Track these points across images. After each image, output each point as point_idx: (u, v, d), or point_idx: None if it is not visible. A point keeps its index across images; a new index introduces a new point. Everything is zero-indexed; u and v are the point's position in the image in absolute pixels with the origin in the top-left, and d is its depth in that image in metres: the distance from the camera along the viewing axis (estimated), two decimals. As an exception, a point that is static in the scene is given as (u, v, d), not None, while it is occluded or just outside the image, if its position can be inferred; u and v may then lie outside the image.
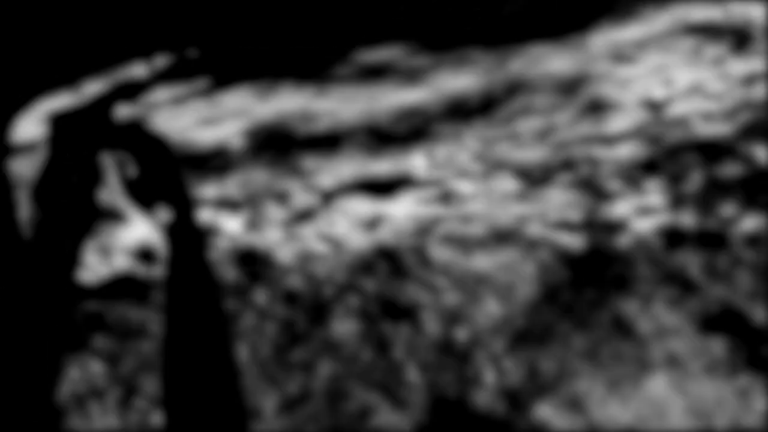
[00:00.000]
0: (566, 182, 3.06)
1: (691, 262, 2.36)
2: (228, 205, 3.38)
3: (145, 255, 2.91)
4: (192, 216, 0.75)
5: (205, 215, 3.22)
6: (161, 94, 5.44)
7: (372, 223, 2.96)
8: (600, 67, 4.41)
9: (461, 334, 2.20)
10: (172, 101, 5.17)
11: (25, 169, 3.92)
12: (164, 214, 0.74)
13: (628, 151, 3.22)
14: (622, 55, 4.54)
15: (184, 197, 0.75)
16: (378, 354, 2.19)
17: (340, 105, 4.55)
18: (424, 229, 2.83)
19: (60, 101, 5.25)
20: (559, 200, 2.90)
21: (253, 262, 2.78)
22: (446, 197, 3.12)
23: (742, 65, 3.94)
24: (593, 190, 2.95)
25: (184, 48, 5.74)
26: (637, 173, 3.03)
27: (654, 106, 3.66)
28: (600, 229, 2.64)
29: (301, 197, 3.30)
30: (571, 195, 2.94)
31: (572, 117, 3.74)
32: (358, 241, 2.82)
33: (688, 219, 2.61)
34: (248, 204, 3.35)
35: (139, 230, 3.10)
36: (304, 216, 3.14)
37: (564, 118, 3.75)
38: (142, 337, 2.41)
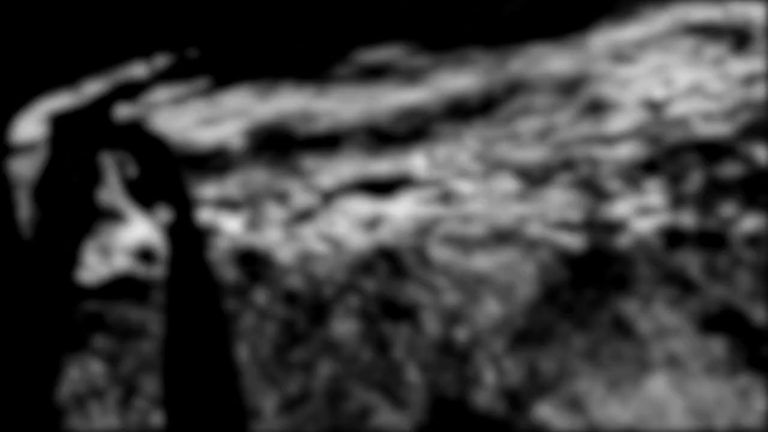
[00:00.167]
0: (566, 182, 3.06)
1: (691, 262, 2.36)
2: (228, 205, 3.38)
3: (145, 255, 2.91)
4: (192, 216, 0.75)
5: (205, 215, 3.22)
6: (161, 94, 5.44)
7: (372, 223, 2.96)
8: (600, 67, 4.41)
9: (461, 334, 2.20)
10: (172, 101, 5.17)
11: (25, 169, 3.92)
12: (164, 214, 0.74)
13: (628, 151, 3.22)
14: (622, 55, 4.54)
15: (184, 197, 0.75)
16: (378, 354, 2.19)
17: (340, 105, 4.55)
18: (424, 229, 2.83)
19: (60, 101, 5.25)
20: (559, 200, 2.90)
21: (253, 262, 2.78)
22: (446, 197, 3.12)
23: (742, 65, 3.95)
24: (593, 190, 2.96)
25: (184, 48, 5.74)
26: (637, 173, 3.03)
27: (654, 106, 3.66)
28: (600, 229, 2.64)
29: (301, 197, 3.30)
30: (571, 195, 2.94)
31: (572, 117, 3.74)
32: (358, 241, 2.82)
33: (688, 219, 2.61)
34: (248, 204, 3.35)
35: (139, 230, 3.10)
36: (304, 216, 3.14)
37: (564, 118, 3.75)
38: (142, 337, 2.41)
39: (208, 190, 3.57)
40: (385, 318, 2.34)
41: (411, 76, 4.86)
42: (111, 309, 2.57)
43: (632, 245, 2.50)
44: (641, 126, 3.48)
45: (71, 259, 0.66)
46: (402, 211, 3.04)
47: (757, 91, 3.55)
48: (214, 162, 4.01)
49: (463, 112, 4.10)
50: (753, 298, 2.14)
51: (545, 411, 1.89)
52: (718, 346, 2.01)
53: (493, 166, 3.33)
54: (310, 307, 2.45)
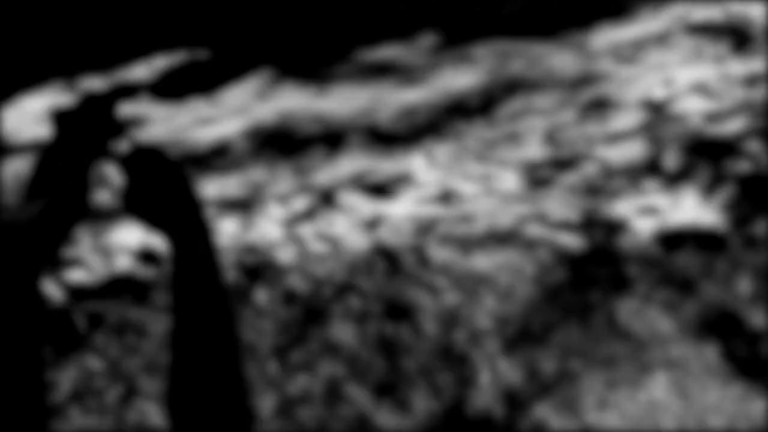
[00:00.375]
0: (567, 182, 3.06)
1: (690, 263, 2.36)
2: (228, 204, 3.38)
3: (145, 255, 2.91)
4: (201, 216, 0.75)
5: (205, 214, 3.21)
6: (161, 94, 5.44)
7: (372, 223, 2.96)
8: (601, 66, 4.41)
9: (460, 335, 2.20)
10: (172, 101, 5.17)
11: (20, 168, 3.92)
12: (170, 213, 0.74)
13: (629, 151, 3.22)
14: (622, 55, 4.54)
15: (191, 198, 0.75)
16: (378, 354, 2.19)
17: (340, 105, 4.55)
18: (424, 229, 2.83)
19: (60, 100, 5.25)
20: (559, 200, 2.90)
21: (253, 262, 2.79)
22: (446, 197, 3.12)
23: (743, 65, 3.94)
24: (594, 190, 2.95)
25: (185, 48, 5.74)
26: (637, 173, 3.03)
27: (654, 106, 3.66)
28: (600, 229, 2.64)
29: (301, 197, 3.30)
30: (572, 195, 2.94)
31: (573, 117, 3.74)
32: (358, 241, 2.82)
33: (688, 219, 2.61)
34: (248, 204, 3.35)
35: (139, 231, 3.10)
36: (304, 216, 3.14)
37: (564, 117, 3.75)
38: (142, 337, 2.41)
39: (208, 189, 3.57)
40: (385, 318, 2.34)
41: (411, 76, 4.86)
42: (111, 309, 2.57)
43: (632, 246, 2.50)
44: (642, 125, 3.47)
45: (39, 263, 0.66)
46: (402, 211, 3.04)
47: (758, 91, 3.55)
48: (214, 161, 4.01)
49: (463, 111, 4.10)
50: (752, 301, 2.14)
51: (543, 411, 1.89)
52: (715, 349, 2.01)
53: (493, 166, 3.33)
54: (309, 307, 2.45)
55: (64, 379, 2.27)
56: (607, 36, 4.96)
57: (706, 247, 2.43)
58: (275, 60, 5.55)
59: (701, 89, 3.75)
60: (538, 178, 3.16)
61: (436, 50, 5.38)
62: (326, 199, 3.27)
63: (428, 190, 3.21)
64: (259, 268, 2.75)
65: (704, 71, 3.97)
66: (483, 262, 2.54)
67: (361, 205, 3.16)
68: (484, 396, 1.98)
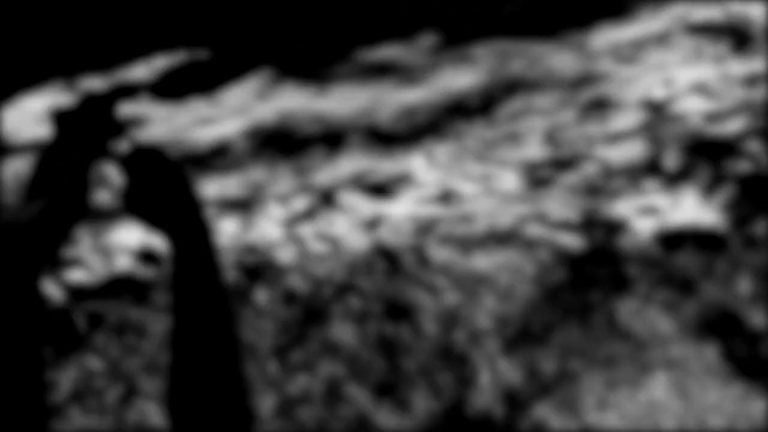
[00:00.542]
0: (566, 182, 3.06)
1: (690, 263, 2.36)
2: (228, 204, 3.38)
3: (145, 255, 2.91)
4: (201, 217, 0.75)
5: (205, 214, 3.21)
6: (161, 94, 5.44)
7: (371, 223, 2.96)
8: (601, 66, 4.40)
9: (460, 335, 2.20)
10: (172, 101, 5.17)
11: (20, 168, 3.92)
12: (171, 213, 0.74)
13: (629, 151, 3.22)
14: (622, 55, 4.54)
15: (191, 198, 0.75)
16: (377, 354, 2.19)
17: (340, 105, 4.55)
18: (424, 229, 2.83)
19: (60, 100, 5.25)
20: (559, 200, 2.90)
21: (253, 262, 2.79)
22: (446, 197, 3.12)
23: (743, 65, 3.94)
24: (593, 190, 2.95)
25: (185, 48, 5.74)
26: (637, 173, 3.02)
27: (654, 106, 3.66)
28: (600, 229, 2.64)
29: (301, 197, 3.30)
30: (572, 195, 2.94)
31: (573, 117, 3.74)
32: (358, 241, 2.82)
33: (688, 219, 2.61)
34: (248, 204, 3.35)
35: (139, 231, 3.10)
36: (304, 216, 3.14)
37: (564, 117, 3.75)
38: (142, 337, 2.41)
39: (208, 189, 3.57)
40: (385, 318, 2.34)
41: (411, 76, 4.86)
42: (111, 309, 2.58)
43: (632, 246, 2.50)
44: (642, 125, 3.47)
45: (39, 263, 0.66)
46: (402, 211, 3.04)
47: (758, 91, 3.55)
48: (214, 161, 4.01)
49: (463, 111, 4.10)
50: (752, 302, 2.14)
51: (543, 412, 1.89)
52: (715, 349, 2.01)
53: (494, 166, 3.33)
54: (309, 307, 2.45)
55: (64, 379, 2.27)
56: (607, 36, 4.96)
57: (706, 247, 2.43)
58: (275, 60, 5.55)
59: (701, 89, 3.75)
60: (538, 178, 3.16)
61: (436, 50, 5.38)
62: (326, 199, 3.27)
63: (428, 190, 3.21)
64: (259, 268, 2.75)
65: (704, 71, 3.97)
66: (483, 262, 2.54)
67: (361, 205, 3.16)
68: (484, 396, 1.98)
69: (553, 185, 3.07)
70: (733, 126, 3.25)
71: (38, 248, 0.65)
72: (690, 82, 3.86)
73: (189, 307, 0.69)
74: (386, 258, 2.66)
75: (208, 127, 4.58)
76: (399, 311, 2.37)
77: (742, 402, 1.83)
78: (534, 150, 3.44)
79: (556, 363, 2.05)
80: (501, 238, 2.67)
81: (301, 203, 3.26)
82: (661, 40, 4.66)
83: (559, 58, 4.70)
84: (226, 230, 3.09)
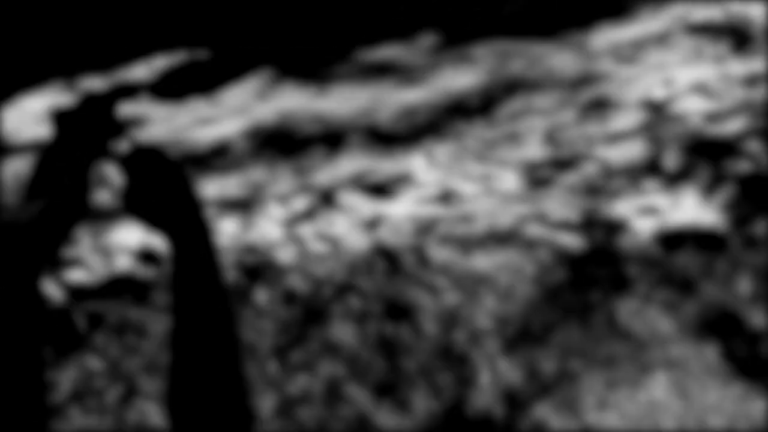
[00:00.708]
0: (566, 182, 3.06)
1: (690, 263, 2.36)
2: (228, 204, 3.38)
3: (145, 255, 2.91)
4: (201, 216, 0.75)
5: (205, 215, 3.21)
6: (161, 94, 5.44)
7: (371, 223, 2.96)
8: (601, 66, 4.41)
9: (460, 335, 2.20)
10: (172, 101, 5.17)
11: (20, 168, 3.92)
12: (171, 213, 0.74)
13: (629, 151, 3.22)
14: (622, 55, 4.54)
15: (191, 198, 0.75)
16: (377, 354, 2.19)
17: (340, 105, 4.55)
18: (424, 229, 2.83)
19: (60, 100, 5.25)
20: (559, 200, 2.90)
21: (253, 262, 2.79)
22: (446, 197, 3.12)
23: (743, 65, 3.94)
24: (593, 190, 2.95)
25: (185, 48, 5.74)
26: (637, 173, 3.03)
27: (654, 106, 3.66)
28: (600, 229, 2.64)
29: (301, 197, 3.30)
30: (571, 195, 2.94)
31: (573, 117, 3.74)
32: (358, 241, 2.82)
33: (688, 219, 2.61)
34: (248, 204, 3.35)
35: (140, 231, 3.11)
36: (304, 216, 3.14)
37: (564, 117, 3.75)
38: (142, 337, 2.41)
39: (208, 189, 3.57)
40: (385, 318, 2.34)
41: (411, 76, 4.86)
42: (111, 309, 2.58)
43: (632, 246, 2.50)
44: (642, 125, 3.47)
45: (39, 263, 0.66)
46: (402, 211, 3.04)
47: (758, 91, 3.55)
48: (214, 161, 4.01)
49: (463, 111, 4.10)
50: (752, 301, 2.14)
51: (544, 411, 1.89)
52: (715, 349, 2.01)
53: (494, 166, 3.33)
54: (309, 307, 2.46)
55: (64, 379, 2.27)
56: (607, 36, 4.96)
57: (706, 247, 2.43)
58: (275, 60, 5.54)
59: (701, 89, 3.75)
60: (538, 178, 3.16)
61: (436, 50, 5.38)
62: (326, 199, 3.27)
63: (428, 190, 3.21)
64: (259, 268, 2.75)
65: (704, 71, 3.97)
66: (483, 262, 2.54)
67: (361, 205, 3.17)
68: (484, 396, 1.98)
69: (553, 185, 3.07)
70: (733, 126, 3.25)
71: (38, 248, 0.65)
72: (690, 82, 3.86)
73: (189, 307, 0.69)
74: (386, 258, 2.66)
75: (208, 127, 4.58)
76: (399, 311, 2.37)
77: (742, 402, 1.83)
78: (534, 150, 3.44)
79: (556, 363, 2.05)
80: (501, 238, 2.67)
81: (301, 203, 3.26)
82: (661, 40, 4.66)
83: (559, 58, 4.70)
84: (226, 230, 3.09)
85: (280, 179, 3.61)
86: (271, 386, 2.14)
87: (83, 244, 3.07)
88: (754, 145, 3.04)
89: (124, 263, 2.88)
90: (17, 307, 0.62)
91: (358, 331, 2.30)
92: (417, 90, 4.60)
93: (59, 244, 0.68)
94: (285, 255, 2.80)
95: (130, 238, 3.05)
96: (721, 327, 2.08)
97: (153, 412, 2.11)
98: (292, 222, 3.09)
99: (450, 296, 2.38)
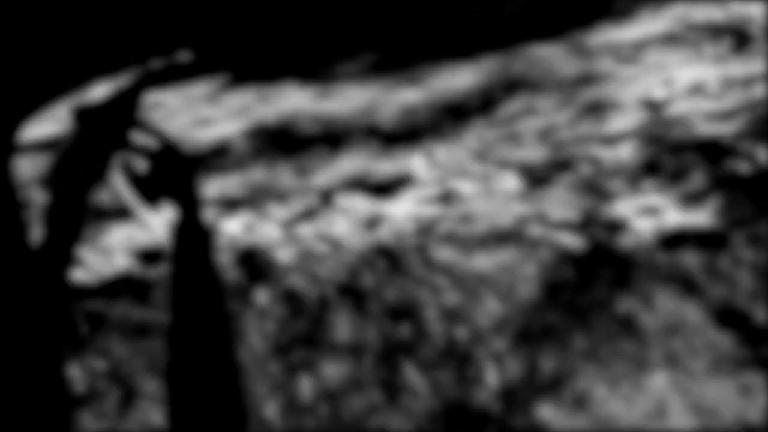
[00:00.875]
0: (566, 182, 3.06)
1: (691, 262, 2.36)
2: (228, 204, 3.38)
3: (145, 255, 2.91)
4: (199, 215, 0.75)
5: (205, 215, 3.21)
6: (162, 93, 5.44)
7: (372, 223, 2.96)
8: (600, 67, 4.41)
9: (462, 334, 2.20)
10: (174, 101, 5.18)
11: (34, 167, 3.92)
12: (171, 211, 0.74)
13: (628, 151, 3.22)
14: (622, 55, 4.54)
15: (192, 196, 0.75)
16: (378, 354, 2.19)
17: (340, 105, 4.55)
18: (425, 229, 2.84)
19: (66, 100, 5.25)
20: (559, 200, 2.90)
21: (253, 262, 2.79)
22: (446, 197, 3.12)
23: (743, 65, 3.95)
24: (593, 190, 2.96)
25: (185, 48, 5.74)
26: (637, 173, 3.03)
27: (654, 106, 3.66)
28: (600, 229, 2.64)
29: (301, 197, 3.30)
30: (571, 195, 2.94)
31: (573, 117, 3.74)
32: (358, 240, 2.82)
33: (688, 219, 2.61)
34: (248, 204, 3.35)
35: (140, 230, 3.10)
36: (304, 216, 3.14)
37: (564, 117, 3.75)
38: (143, 337, 2.41)
39: (209, 189, 3.57)
40: (385, 318, 2.34)
41: (411, 76, 4.86)
42: (112, 309, 2.57)
43: (633, 245, 2.50)
44: (642, 126, 3.48)
45: (65, 257, 0.66)
46: (402, 210, 3.04)
47: (758, 91, 3.55)
48: (214, 161, 4.01)
49: (463, 112, 4.10)
50: (754, 299, 2.15)
51: (546, 410, 1.89)
52: (719, 344, 2.01)
53: (494, 166, 3.33)
54: (310, 307, 2.45)
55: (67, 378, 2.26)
56: (607, 36, 4.96)
57: (707, 246, 2.43)
58: (276, 61, 5.55)
59: (701, 89, 3.75)
60: (538, 177, 3.16)
61: (435, 50, 5.38)
62: (326, 199, 3.27)
63: (428, 190, 3.21)
64: (259, 268, 2.75)
65: (704, 71, 3.98)
66: (483, 262, 2.54)
67: (362, 205, 3.17)
68: (485, 395, 1.98)
69: (552, 185, 3.07)
70: (733, 126, 3.26)
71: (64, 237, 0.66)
72: (690, 82, 3.86)
73: (188, 307, 0.69)
74: (386, 258, 2.66)
75: (208, 127, 4.58)
76: (399, 311, 2.37)
77: (744, 400, 1.83)
78: (534, 150, 3.45)
79: (557, 363, 2.05)
80: (501, 238, 2.67)
81: (301, 203, 3.26)
82: (661, 40, 4.66)
83: (559, 58, 4.70)
84: (226, 230, 3.10)
85: (280, 179, 3.61)
86: (271, 386, 2.14)
87: (83, 244, 3.07)
88: (754, 146, 3.04)
89: (124, 263, 2.88)
90: (43, 302, 0.62)
91: (359, 331, 2.31)
92: (417, 90, 4.60)
93: (75, 240, 0.68)
94: (285, 255, 2.80)
95: (130, 238, 3.05)
96: (722, 325, 2.09)
97: (154, 413, 2.12)
98: (293, 222, 3.09)
99: (451, 296, 2.39)
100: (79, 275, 2.83)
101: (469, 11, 5.69)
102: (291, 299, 2.52)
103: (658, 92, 3.82)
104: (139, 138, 0.76)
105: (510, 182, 3.16)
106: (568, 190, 3.00)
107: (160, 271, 2.79)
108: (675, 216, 2.64)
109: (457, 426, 1.92)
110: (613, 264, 2.42)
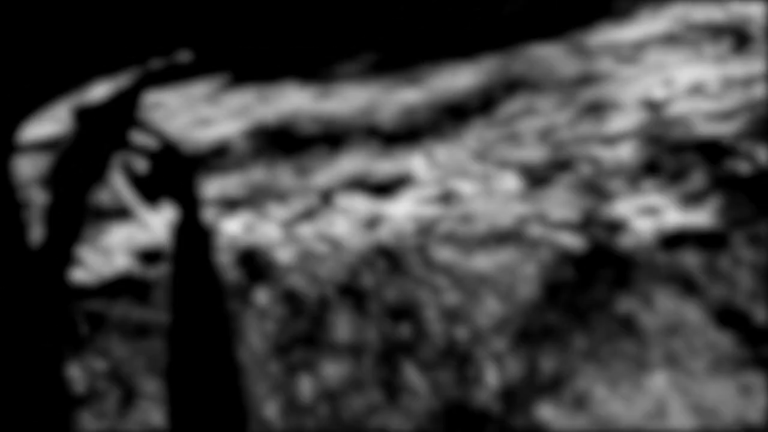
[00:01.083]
0: (566, 182, 3.06)
1: (691, 262, 2.36)
2: (228, 204, 3.38)
3: (145, 255, 2.91)
4: (199, 215, 0.75)
5: (205, 215, 3.21)
6: (162, 93, 5.44)
7: (372, 223, 2.96)
8: (600, 67, 4.41)
9: (462, 334, 2.20)
10: (174, 101, 5.18)
11: (34, 167, 3.92)
12: (171, 211, 0.74)
13: (628, 151, 3.22)
14: (622, 55, 4.54)
15: (192, 196, 0.75)
16: (378, 354, 2.19)
17: (341, 105, 4.55)
18: (425, 229, 2.84)
19: (66, 100, 5.25)
20: (559, 200, 2.90)
21: (253, 262, 2.79)
22: (446, 197, 3.12)
23: (743, 65, 3.95)
24: (593, 190, 2.96)
25: (185, 48, 5.74)
26: (637, 173, 3.03)
27: (654, 106, 3.66)
28: (600, 229, 2.64)
29: (301, 197, 3.30)
30: (571, 195, 2.94)
31: (572, 117, 3.74)
32: (358, 240, 2.82)
33: (688, 219, 2.61)
34: (248, 204, 3.35)
35: (140, 230, 3.10)
36: (304, 216, 3.14)
37: (564, 117, 3.75)
38: (143, 337, 2.41)
39: (209, 189, 3.58)
40: (385, 318, 2.34)
41: (411, 76, 4.86)
42: (112, 309, 2.57)
43: (633, 245, 2.50)
44: (642, 126, 3.48)
45: (65, 257, 0.66)
46: (402, 210, 3.04)
47: (758, 91, 3.55)
48: (214, 161, 4.01)
49: (463, 112, 4.10)
50: (754, 299, 2.15)
51: (546, 410, 1.89)
52: (719, 344, 2.01)
53: (494, 166, 3.33)
54: (310, 307, 2.45)
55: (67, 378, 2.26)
56: (607, 36, 4.96)
57: (707, 246, 2.43)
58: (276, 61, 5.55)
59: (701, 89, 3.75)
60: (538, 177, 3.16)
61: (435, 50, 5.38)
62: (326, 199, 3.27)
63: (428, 190, 3.21)
64: (259, 268, 2.75)
65: (704, 71, 3.98)
66: (483, 262, 2.54)
67: (362, 205, 3.17)
68: (485, 395, 1.98)
69: (552, 185, 3.07)
70: (733, 126, 3.26)
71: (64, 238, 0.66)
72: (690, 82, 3.86)
73: (188, 307, 0.69)
74: (386, 258, 2.66)
75: (208, 127, 4.58)
76: (399, 311, 2.37)
77: (743, 399, 1.83)
78: (534, 150, 3.45)
79: (558, 362, 2.05)
80: (501, 238, 2.67)
81: (301, 203, 3.26)
82: (661, 40, 4.66)
83: (559, 58, 4.70)
84: (226, 230, 3.10)
85: (280, 179, 3.61)
86: (272, 387, 2.14)
87: (83, 244, 3.07)
88: (754, 146, 3.04)
89: (124, 263, 2.88)
90: (45, 299, 0.62)
91: (359, 331, 2.31)
92: (417, 90, 4.60)
93: (75, 239, 0.68)
94: (285, 255, 2.80)
95: (130, 238, 3.05)
96: (722, 325, 2.09)
97: (155, 413, 2.12)
98: (293, 222, 3.09)
99: (451, 296, 2.39)
100: (79, 275, 2.82)
101: (469, 11, 5.69)
102: (291, 299, 2.52)
103: (658, 92, 3.82)
104: (139, 138, 0.76)
105: (510, 182, 3.16)
106: (568, 190, 2.99)
107: (160, 271, 2.79)
108: (675, 216, 2.64)
109: (457, 426, 1.92)
110: (613, 264, 2.42)
